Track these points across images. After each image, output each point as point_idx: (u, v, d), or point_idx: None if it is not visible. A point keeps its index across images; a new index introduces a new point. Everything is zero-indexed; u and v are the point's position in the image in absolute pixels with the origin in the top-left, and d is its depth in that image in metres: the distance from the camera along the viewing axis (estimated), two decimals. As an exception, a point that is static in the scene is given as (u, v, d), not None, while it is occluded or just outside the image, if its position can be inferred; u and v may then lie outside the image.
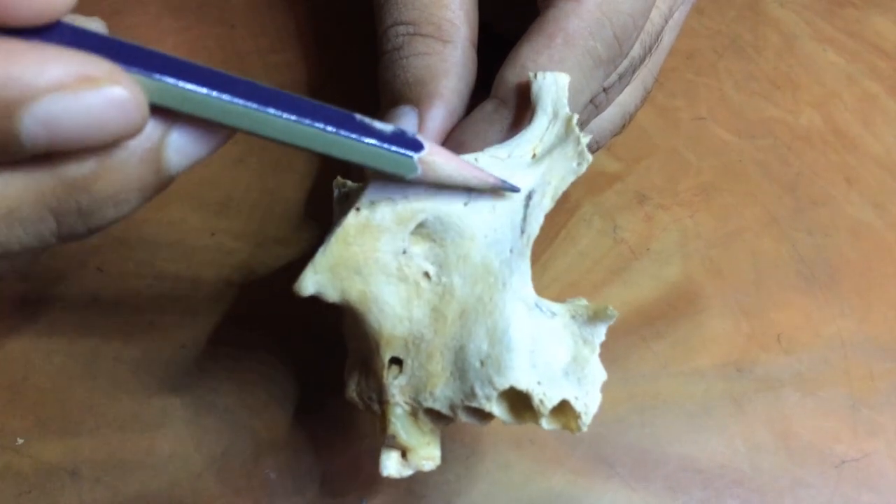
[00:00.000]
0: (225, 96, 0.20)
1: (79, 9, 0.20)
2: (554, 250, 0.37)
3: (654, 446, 0.33)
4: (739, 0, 0.48)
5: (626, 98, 0.34)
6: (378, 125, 0.23)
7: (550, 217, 0.38)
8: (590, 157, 0.26)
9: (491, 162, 0.26)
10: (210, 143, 0.22)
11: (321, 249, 0.25)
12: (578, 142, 0.26)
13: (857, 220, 0.40)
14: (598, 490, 0.32)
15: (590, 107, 0.31)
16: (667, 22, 0.33)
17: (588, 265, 0.37)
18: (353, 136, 0.22)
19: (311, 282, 0.25)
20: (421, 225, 0.25)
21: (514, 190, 0.25)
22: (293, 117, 0.21)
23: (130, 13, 0.42)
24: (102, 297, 0.34)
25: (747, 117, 0.43)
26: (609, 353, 0.34)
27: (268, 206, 0.37)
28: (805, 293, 0.38)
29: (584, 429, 0.25)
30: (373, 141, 0.22)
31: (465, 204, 0.25)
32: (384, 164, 0.23)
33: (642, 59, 0.32)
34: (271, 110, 0.21)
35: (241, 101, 0.21)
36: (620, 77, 0.31)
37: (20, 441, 0.31)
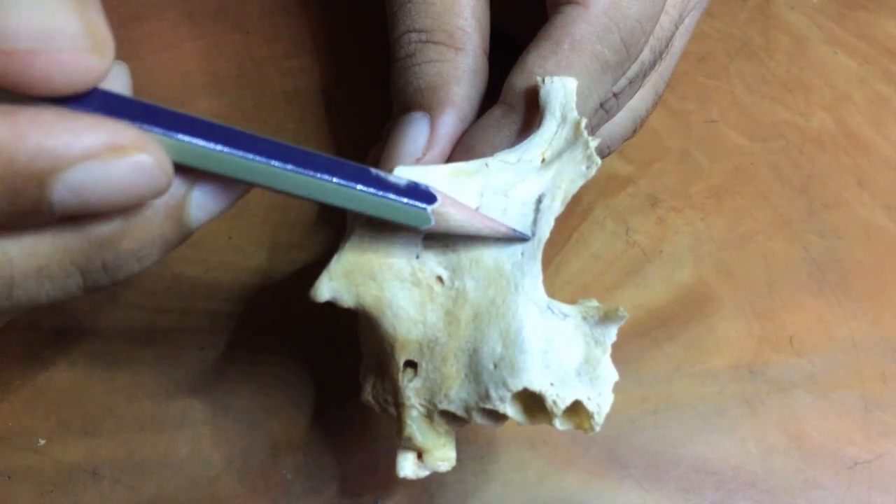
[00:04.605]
0: (244, 154, 0.21)
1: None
2: (566, 253, 0.38)
3: (666, 448, 0.33)
4: (750, 3, 0.48)
5: (638, 103, 0.34)
6: (392, 179, 0.23)
7: (563, 220, 0.38)
8: (598, 160, 0.26)
9: (500, 166, 0.26)
10: (229, 197, 0.23)
11: (336, 256, 0.25)
12: (587, 145, 0.26)
13: (869, 222, 0.40)
14: (612, 491, 0.32)
15: (601, 112, 0.31)
16: (677, 27, 0.33)
17: (601, 267, 0.37)
18: (369, 190, 0.23)
19: (326, 288, 0.25)
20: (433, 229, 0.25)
21: (525, 238, 0.25)
22: (310, 173, 0.22)
23: (147, 20, 0.42)
24: (121, 300, 0.34)
25: (759, 120, 0.43)
26: (622, 356, 0.35)
27: (283, 210, 0.37)
28: (817, 295, 0.38)
29: (597, 429, 0.25)
30: (388, 194, 0.23)
31: (477, 208, 0.26)
32: (399, 217, 0.24)
33: (653, 64, 0.32)
34: (289, 167, 0.22)
35: (260, 159, 0.21)
36: (631, 82, 0.31)
37: (42, 442, 0.31)
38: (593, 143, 0.26)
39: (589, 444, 0.33)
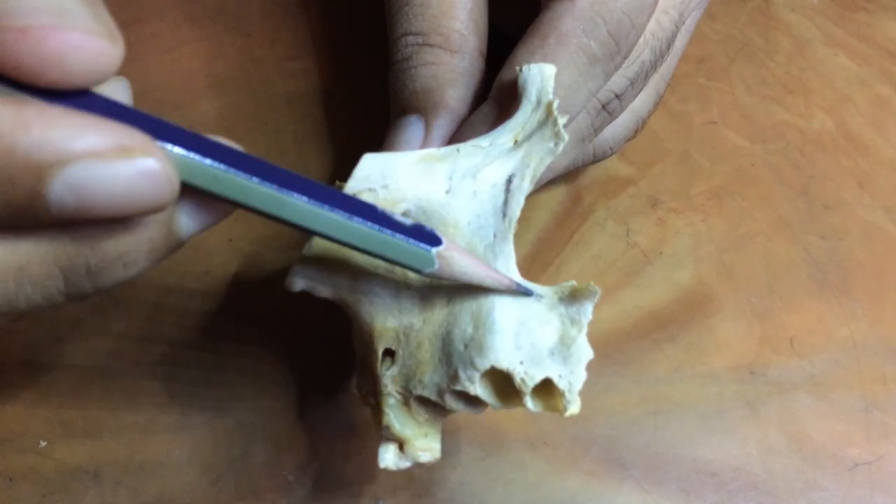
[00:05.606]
0: (246, 177, 0.20)
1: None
2: (567, 254, 0.38)
3: (667, 449, 0.33)
4: (751, 5, 0.48)
5: (639, 104, 0.34)
6: (398, 218, 0.23)
7: (563, 221, 0.38)
8: (566, 136, 0.26)
9: (472, 150, 0.26)
10: (223, 209, 0.22)
11: (308, 243, 0.25)
12: (556, 123, 0.26)
13: (870, 223, 0.40)
14: (612, 492, 0.32)
15: (604, 113, 0.31)
16: (678, 28, 0.33)
17: (601, 269, 0.37)
18: (373, 226, 0.22)
19: (299, 276, 0.25)
20: (404, 214, 0.25)
21: (528, 294, 0.25)
22: (315, 203, 0.21)
23: (148, 22, 0.42)
24: (123, 301, 0.34)
25: (759, 121, 0.43)
26: (622, 357, 0.35)
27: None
28: (817, 296, 0.38)
29: (571, 408, 0.24)
30: (391, 233, 0.23)
31: (447, 192, 0.25)
32: (401, 256, 0.23)
33: (654, 65, 0.32)
34: (294, 194, 0.21)
35: (263, 184, 0.21)
36: (633, 83, 0.31)
37: (43, 443, 0.31)
38: (562, 120, 0.26)
39: (589, 445, 0.33)
